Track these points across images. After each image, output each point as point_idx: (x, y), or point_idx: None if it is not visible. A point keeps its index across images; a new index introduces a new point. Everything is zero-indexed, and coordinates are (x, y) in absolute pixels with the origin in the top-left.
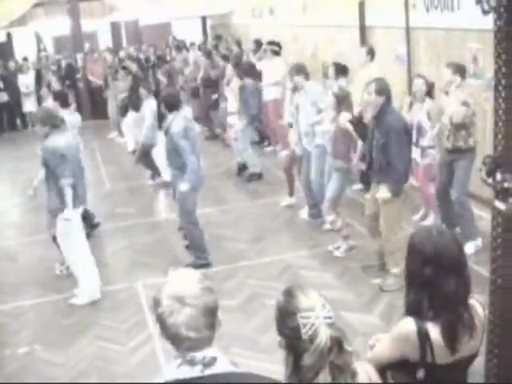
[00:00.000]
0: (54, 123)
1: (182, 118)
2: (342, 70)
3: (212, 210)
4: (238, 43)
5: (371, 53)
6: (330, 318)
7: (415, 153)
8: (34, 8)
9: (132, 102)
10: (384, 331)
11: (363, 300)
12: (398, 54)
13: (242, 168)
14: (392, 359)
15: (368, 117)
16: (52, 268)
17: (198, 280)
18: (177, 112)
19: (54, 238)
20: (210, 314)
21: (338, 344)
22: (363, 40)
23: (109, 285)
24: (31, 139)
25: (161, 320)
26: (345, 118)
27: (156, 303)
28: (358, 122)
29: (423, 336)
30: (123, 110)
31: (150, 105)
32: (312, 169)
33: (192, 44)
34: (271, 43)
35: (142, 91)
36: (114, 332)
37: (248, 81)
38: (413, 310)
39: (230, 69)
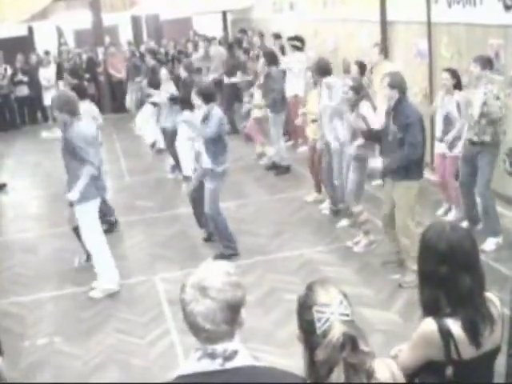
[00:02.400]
0: (72, 109)
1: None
2: (365, 69)
3: (231, 204)
4: (261, 35)
5: (384, 51)
6: (346, 315)
7: (438, 148)
8: (55, 1)
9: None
10: (402, 328)
11: (382, 296)
12: (420, 50)
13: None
14: (418, 364)
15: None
16: (71, 261)
17: (225, 274)
18: (213, 103)
19: (75, 229)
20: (231, 309)
21: (351, 342)
22: (384, 35)
23: (127, 278)
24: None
25: (182, 305)
26: (365, 105)
27: (181, 288)
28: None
29: (445, 334)
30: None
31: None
32: (335, 164)
33: (213, 38)
34: (292, 38)
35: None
36: (133, 325)
37: (273, 68)
38: (430, 308)
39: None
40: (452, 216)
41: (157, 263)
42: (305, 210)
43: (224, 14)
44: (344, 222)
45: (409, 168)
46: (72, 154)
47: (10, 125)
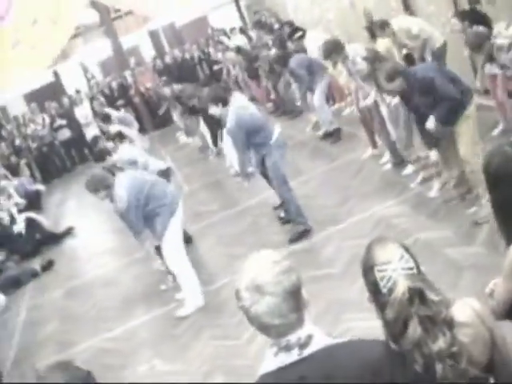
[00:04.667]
0: (105, 185)
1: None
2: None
3: (292, 183)
4: (276, 17)
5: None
6: (409, 268)
7: (492, 68)
8: (72, 40)
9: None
10: (490, 260)
11: (462, 232)
12: None
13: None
14: None
15: None
16: (151, 284)
17: (273, 264)
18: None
19: (158, 249)
20: (292, 296)
21: (419, 294)
22: None
23: (210, 284)
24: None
25: (244, 312)
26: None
27: (236, 296)
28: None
29: None
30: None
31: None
32: (387, 114)
33: (232, 29)
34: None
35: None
36: (226, 328)
37: None
38: (511, 235)
39: None
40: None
41: (234, 262)
42: (366, 169)
43: (237, 2)
44: (409, 169)
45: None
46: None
47: (62, 170)
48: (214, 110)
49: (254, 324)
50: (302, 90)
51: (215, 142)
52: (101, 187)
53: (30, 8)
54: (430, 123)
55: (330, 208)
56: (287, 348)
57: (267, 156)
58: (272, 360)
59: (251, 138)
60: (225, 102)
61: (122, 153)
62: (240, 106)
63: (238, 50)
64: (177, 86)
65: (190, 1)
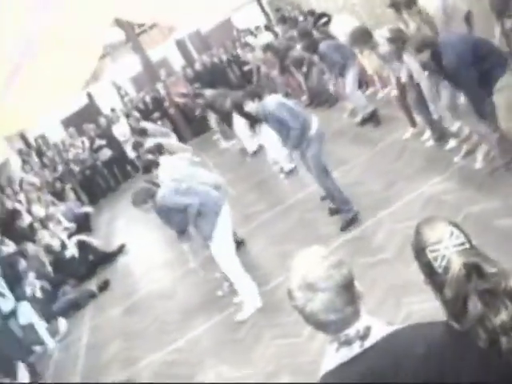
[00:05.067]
0: (148, 195)
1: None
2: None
3: (336, 173)
4: (299, 9)
5: None
6: (461, 244)
7: None
8: (101, 60)
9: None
10: None
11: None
12: None
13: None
14: None
15: None
16: (208, 291)
17: (322, 259)
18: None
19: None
20: (345, 290)
21: (475, 269)
22: None
23: (265, 285)
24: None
25: (299, 312)
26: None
27: (289, 297)
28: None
29: None
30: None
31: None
32: (425, 91)
33: (257, 27)
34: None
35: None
36: (286, 327)
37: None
38: None
39: None
40: None
41: (287, 260)
42: (408, 149)
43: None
44: (452, 143)
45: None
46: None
47: (107, 189)
48: (251, 106)
49: (310, 322)
50: (334, 74)
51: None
52: (146, 198)
53: (57, 33)
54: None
55: (377, 193)
56: (348, 342)
57: (307, 148)
58: (334, 356)
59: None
60: (260, 97)
61: (163, 165)
62: (275, 98)
63: (267, 47)
64: (209, 92)
65: (212, 5)
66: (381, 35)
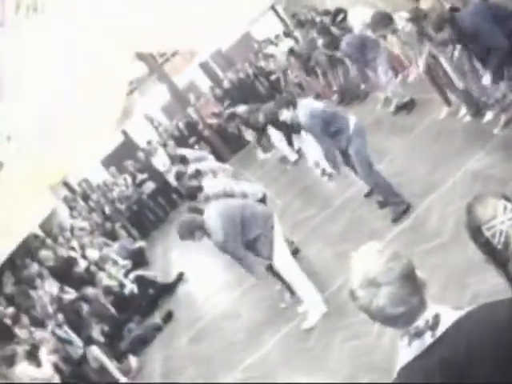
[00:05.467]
0: (196, 227)
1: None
2: None
3: (379, 166)
4: (315, 10)
5: None
6: None
7: None
8: (128, 96)
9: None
10: None
11: None
12: None
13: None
14: None
15: None
16: (271, 305)
17: (378, 254)
18: None
19: (270, 268)
20: (408, 280)
21: None
22: None
23: (328, 288)
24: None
25: (365, 310)
26: None
27: (352, 298)
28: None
29: None
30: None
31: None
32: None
33: (277, 36)
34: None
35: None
36: (354, 328)
37: None
38: None
39: None
40: None
41: (345, 260)
42: (446, 129)
43: (273, 8)
44: (489, 115)
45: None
46: None
47: (157, 221)
48: (286, 115)
49: (378, 319)
50: (360, 68)
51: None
52: (194, 229)
53: (84, 79)
54: (486, 79)
55: (422, 178)
56: (418, 334)
57: (349, 146)
58: (406, 351)
59: (328, 128)
60: (293, 104)
61: (207, 188)
62: (308, 102)
63: (289, 53)
64: (241, 109)
65: (229, 22)
66: (400, 17)
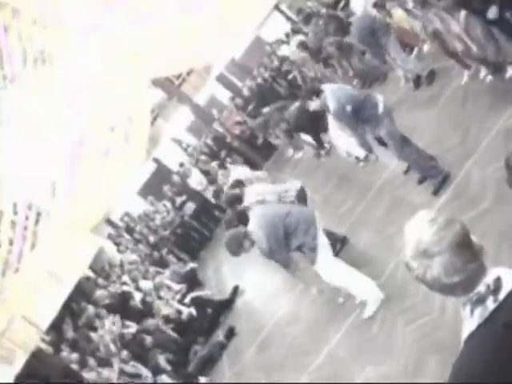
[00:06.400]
0: (242, 242)
1: None
2: None
3: None
4: (319, 2)
5: None
6: None
7: None
8: (153, 124)
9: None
10: None
11: None
12: None
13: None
14: None
15: None
16: (328, 302)
17: (430, 222)
18: None
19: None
20: (462, 247)
21: None
22: None
23: (382, 275)
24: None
25: (421, 281)
26: None
27: (408, 269)
28: None
29: None
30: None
31: None
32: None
33: (287, 34)
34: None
35: None
36: (415, 309)
37: None
38: None
39: None
40: None
41: (394, 242)
42: (471, 92)
43: (277, 7)
44: (510, 71)
45: None
46: None
47: (204, 240)
48: (314, 105)
49: (435, 289)
50: (374, 52)
51: (321, 144)
52: (241, 241)
53: (105, 117)
54: (492, 12)
55: (455, 146)
56: (480, 300)
57: (380, 127)
58: (470, 320)
59: (358, 113)
60: (318, 93)
61: (248, 196)
62: (335, 87)
63: (300, 46)
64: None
65: (236, 30)
66: None
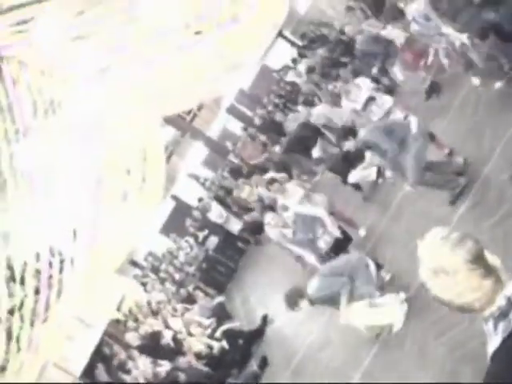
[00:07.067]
0: None
1: None
2: None
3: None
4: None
5: None
6: None
7: None
8: (168, 162)
9: None
10: None
11: None
12: None
13: None
14: None
15: None
16: None
17: (444, 239)
18: None
19: None
20: (477, 263)
21: None
22: None
23: (408, 290)
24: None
25: (438, 301)
26: None
27: (425, 289)
28: None
29: None
30: None
31: None
32: None
33: (294, 60)
34: None
35: None
36: (443, 320)
37: None
38: None
39: None
40: None
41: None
42: (482, 98)
43: (280, 33)
44: None
45: None
46: None
47: (229, 273)
48: (349, 144)
49: (454, 308)
50: (379, 65)
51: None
52: (299, 292)
53: (120, 160)
54: None
55: (472, 153)
56: (503, 315)
57: (411, 147)
58: (494, 334)
59: (389, 138)
60: (354, 133)
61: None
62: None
63: (309, 70)
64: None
65: (242, 61)
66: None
